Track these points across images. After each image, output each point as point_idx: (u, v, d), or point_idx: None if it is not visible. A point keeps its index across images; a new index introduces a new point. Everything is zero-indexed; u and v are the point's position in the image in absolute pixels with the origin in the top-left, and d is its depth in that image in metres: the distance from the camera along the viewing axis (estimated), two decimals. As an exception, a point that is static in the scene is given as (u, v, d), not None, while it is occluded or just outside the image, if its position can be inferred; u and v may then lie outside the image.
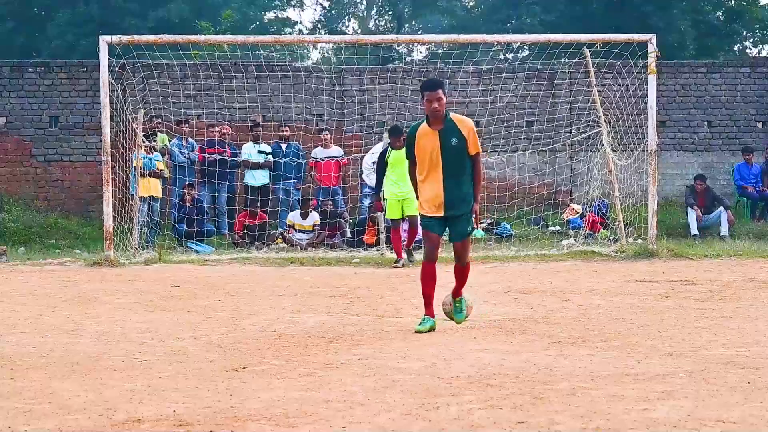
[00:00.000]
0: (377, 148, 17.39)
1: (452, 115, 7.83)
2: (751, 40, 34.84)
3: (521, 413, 5.12)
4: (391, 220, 14.28)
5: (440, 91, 7.71)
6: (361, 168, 17.63)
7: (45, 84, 19.20)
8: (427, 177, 7.85)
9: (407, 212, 14.10)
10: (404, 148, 13.95)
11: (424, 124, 7.83)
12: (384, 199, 14.25)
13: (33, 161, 19.13)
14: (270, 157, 17.38)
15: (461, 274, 8.15)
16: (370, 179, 17.21)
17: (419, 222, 7.92)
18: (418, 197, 8.01)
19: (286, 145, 17.67)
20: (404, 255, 14.07)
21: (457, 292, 8.20)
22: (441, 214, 7.82)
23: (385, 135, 16.83)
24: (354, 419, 5.00)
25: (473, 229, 8.11)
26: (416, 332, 7.68)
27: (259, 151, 17.38)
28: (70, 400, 5.48)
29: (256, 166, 17.32)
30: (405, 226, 14.53)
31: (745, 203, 18.92)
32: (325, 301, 9.88)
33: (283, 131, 17.78)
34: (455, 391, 5.66)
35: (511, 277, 12.16)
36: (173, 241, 16.26)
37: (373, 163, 17.30)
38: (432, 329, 7.76)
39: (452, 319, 8.46)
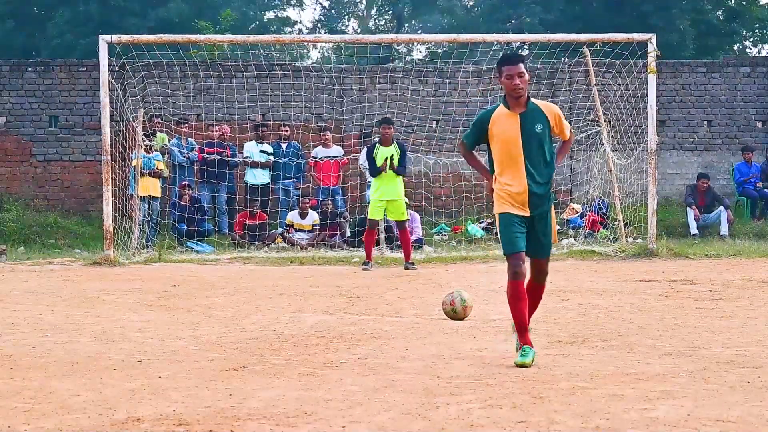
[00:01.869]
0: (364, 156, 17.39)
1: (533, 99, 6.68)
2: (751, 39, 34.85)
3: (521, 413, 5.11)
4: (369, 220, 13.80)
5: (522, 66, 6.53)
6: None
7: (45, 83, 19.20)
8: (507, 169, 6.58)
9: (394, 217, 13.72)
10: (392, 145, 13.86)
11: (501, 107, 6.60)
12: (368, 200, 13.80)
13: (33, 161, 19.13)
14: (270, 156, 17.38)
15: (537, 296, 6.79)
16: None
17: (498, 222, 6.61)
18: (492, 190, 6.68)
19: (286, 144, 17.67)
20: (372, 259, 13.65)
21: (524, 329, 6.54)
22: (527, 213, 6.56)
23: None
24: (353, 419, 5.00)
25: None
26: (517, 365, 6.32)
27: (261, 151, 17.39)
28: (70, 399, 5.48)
29: (256, 165, 17.32)
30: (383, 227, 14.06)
31: (745, 203, 18.92)
32: (324, 301, 9.88)
33: (282, 131, 17.78)
34: (455, 390, 5.66)
35: (510, 276, 12.13)
36: (173, 241, 16.26)
37: (362, 164, 17.33)
38: (533, 360, 6.38)
39: (455, 318, 8.45)
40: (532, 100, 6.64)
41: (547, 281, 6.78)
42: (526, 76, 6.53)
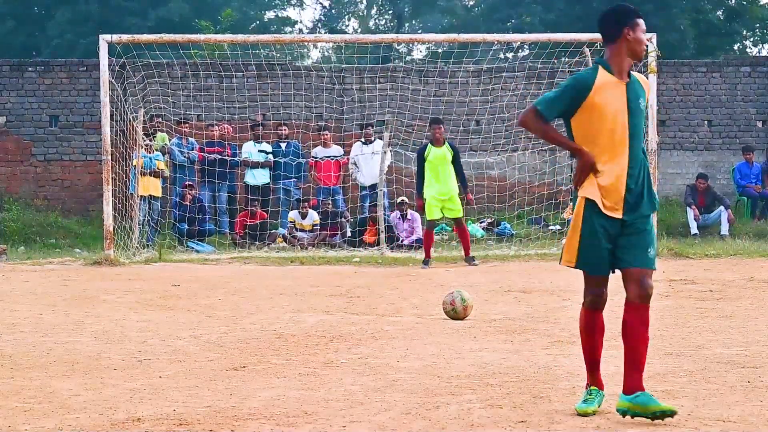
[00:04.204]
0: (356, 148, 17.40)
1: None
2: (751, 39, 34.84)
3: (521, 412, 5.12)
4: (428, 220, 13.86)
5: (643, 22, 5.23)
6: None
7: (45, 83, 19.19)
8: (602, 155, 5.06)
9: (450, 215, 13.82)
10: (444, 145, 13.91)
11: (603, 71, 5.16)
12: (424, 198, 13.75)
13: (33, 160, 19.12)
14: (270, 156, 17.37)
15: (639, 322, 5.01)
16: (358, 179, 17.23)
17: (581, 224, 5.04)
18: (590, 167, 5.05)
19: (285, 144, 17.67)
20: (431, 256, 13.72)
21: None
22: (620, 215, 5.03)
23: (386, 135, 16.85)
24: (354, 418, 5.00)
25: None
26: (579, 413, 5.06)
27: (259, 151, 17.38)
28: (70, 399, 5.48)
29: (256, 165, 17.32)
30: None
31: (746, 202, 18.92)
32: (325, 301, 9.88)
33: (281, 130, 17.78)
34: (455, 390, 5.66)
35: (511, 276, 12.16)
36: (173, 241, 16.26)
37: (355, 163, 17.33)
38: (599, 406, 5.12)
39: (455, 318, 8.46)
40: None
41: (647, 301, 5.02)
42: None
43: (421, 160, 13.79)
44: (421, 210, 14.24)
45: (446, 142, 13.89)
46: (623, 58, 5.16)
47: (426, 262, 13.57)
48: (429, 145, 13.85)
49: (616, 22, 5.23)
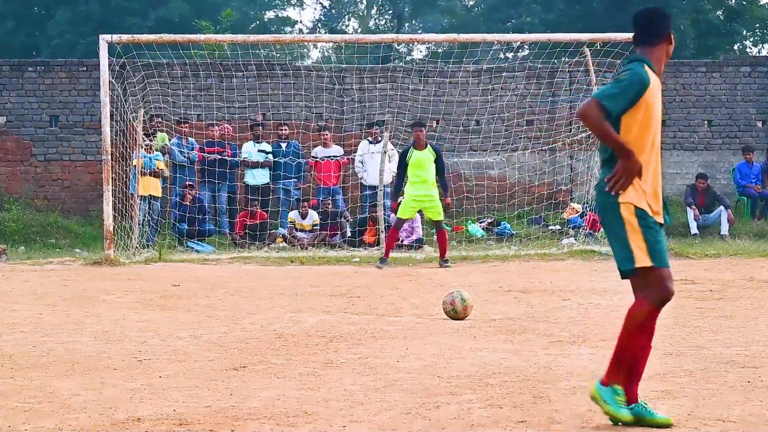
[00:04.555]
0: (362, 147, 17.41)
1: None
2: (751, 39, 34.83)
3: (521, 412, 5.12)
4: (398, 219, 13.83)
5: None
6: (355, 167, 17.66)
7: (45, 83, 19.19)
8: (652, 157, 4.94)
9: (430, 217, 13.82)
10: (426, 148, 13.92)
11: (649, 70, 5.01)
12: (399, 201, 13.80)
13: (33, 160, 19.12)
14: (270, 156, 17.37)
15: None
16: (364, 179, 17.23)
17: (639, 228, 4.89)
18: (640, 170, 4.85)
19: (285, 144, 17.67)
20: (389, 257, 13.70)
21: (638, 377, 4.98)
22: (662, 220, 5.02)
23: (386, 135, 16.84)
24: (354, 418, 5.01)
25: None
26: (611, 418, 4.88)
27: (259, 150, 17.38)
28: (71, 399, 5.48)
29: (256, 165, 17.31)
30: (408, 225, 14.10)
31: (746, 202, 18.92)
32: (325, 301, 9.88)
33: (281, 130, 17.78)
34: (455, 390, 5.66)
35: (511, 276, 12.16)
36: (174, 241, 16.26)
37: (361, 162, 17.34)
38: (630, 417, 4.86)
39: (455, 318, 8.46)
40: None
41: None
42: None
43: (403, 163, 13.77)
44: (394, 212, 14.16)
45: (428, 145, 13.86)
46: (662, 60, 5.14)
47: (383, 260, 13.51)
48: (411, 148, 13.81)
49: (666, 25, 5.17)
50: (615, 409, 4.82)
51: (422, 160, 13.63)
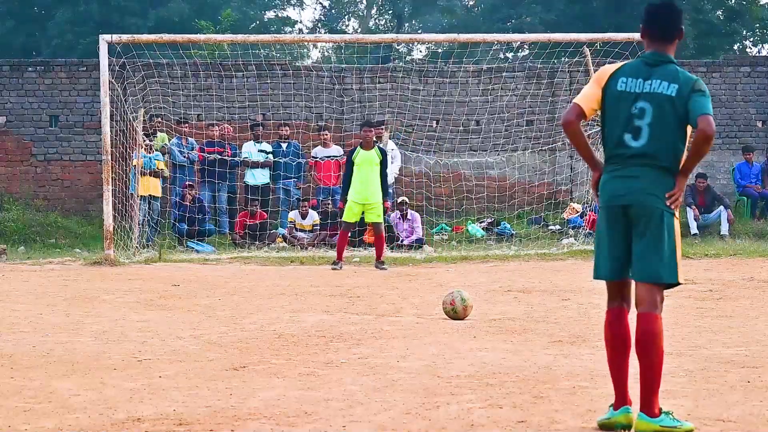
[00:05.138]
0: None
1: None
2: (751, 39, 34.84)
3: (521, 412, 5.12)
4: (345, 222, 13.69)
5: None
6: None
7: (45, 83, 19.19)
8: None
9: (369, 219, 13.62)
10: (373, 149, 13.85)
11: None
12: (345, 201, 13.65)
13: (33, 160, 19.12)
14: (270, 156, 17.37)
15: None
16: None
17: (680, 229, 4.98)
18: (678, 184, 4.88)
19: (286, 144, 17.67)
20: (341, 260, 13.52)
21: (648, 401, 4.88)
22: None
23: (386, 135, 16.83)
24: (354, 418, 5.01)
25: None
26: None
27: (259, 151, 17.39)
28: (70, 399, 5.48)
29: (256, 165, 17.32)
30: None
31: (746, 202, 18.92)
32: (324, 301, 9.88)
33: (281, 130, 17.79)
34: (455, 390, 5.66)
35: (511, 276, 12.16)
36: (173, 241, 16.26)
37: None
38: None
39: (455, 318, 8.45)
40: None
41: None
42: None
43: (350, 162, 13.66)
44: (341, 212, 14.07)
45: (376, 146, 13.78)
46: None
47: (336, 263, 13.37)
48: (358, 147, 13.72)
49: (682, 20, 5.07)
50: (682, 426, 4.76)
51: (367, 161, 13.54)
